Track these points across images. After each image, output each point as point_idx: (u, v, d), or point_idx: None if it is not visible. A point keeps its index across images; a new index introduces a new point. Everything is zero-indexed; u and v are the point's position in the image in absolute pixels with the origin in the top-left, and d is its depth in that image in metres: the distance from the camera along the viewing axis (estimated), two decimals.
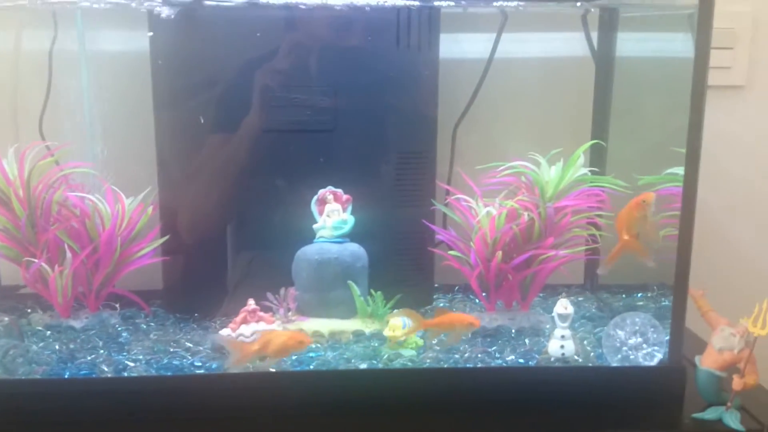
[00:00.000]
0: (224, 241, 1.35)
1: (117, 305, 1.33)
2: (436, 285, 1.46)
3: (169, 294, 1.40)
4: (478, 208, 1.30)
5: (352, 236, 1.32)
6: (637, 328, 1.15)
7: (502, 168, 1.30)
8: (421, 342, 1.21)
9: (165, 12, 1.22)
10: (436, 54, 1.37)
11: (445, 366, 1.16)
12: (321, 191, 1.31)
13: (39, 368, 1.13)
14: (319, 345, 1.23)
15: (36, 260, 1.25)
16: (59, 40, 1.43)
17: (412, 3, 1.28)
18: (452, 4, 1.33)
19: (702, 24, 1.04)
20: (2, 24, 1.45)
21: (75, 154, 1.37)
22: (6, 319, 1.22)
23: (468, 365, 1.17)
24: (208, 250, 1.36)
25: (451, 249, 1.32)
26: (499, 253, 1.26)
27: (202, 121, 1.29)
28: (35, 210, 1.28)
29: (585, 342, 1.23)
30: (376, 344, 1.23)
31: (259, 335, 1.14)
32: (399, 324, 1.19)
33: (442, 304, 1.44)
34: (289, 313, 1.27)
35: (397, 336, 1.18)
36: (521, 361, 1.19)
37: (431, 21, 1.33)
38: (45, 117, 1.45)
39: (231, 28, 1.28)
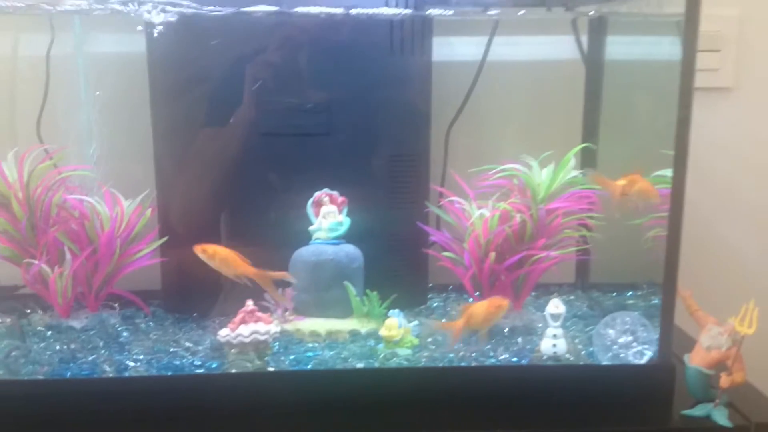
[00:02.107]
0: (222, 242, 1.37)
1: (116, 305, 1.34)
2: (430, 285, 1.48)
3: (168, 294, 1.42)
4: (471, 210, 1.32)
5: (348, 237, 1.33)
6: (627, 326, 1.18)
7: (494, 171, 1.32)
8: (416, 341, 1.23)
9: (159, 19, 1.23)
10: (428, 57, 1.38)
11: (441, 365, 1.19)
12: (317, 193, 1.33)
13: (41, 368, 1.14)
14: (316, 344, 1.26)
15: (36, 261, 1.26)
16: (56, 44, 1.44)
17: (405, 11, 1.30)
18: (443, 12, 1.35)
19: (688, 31, 1.06)
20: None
21: (73, 156, 1.39)
22: (8, 320, 1.24)
23: (462, 364, 1.19)
24: None
25: (445, 250, 1.34)
26: (492, 254, 1.28)
27: None
28: (35, 212, 1.29)
29: (576, 340, 1.26)
30: (372, 343, 1.25)
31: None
32: (395, 323, 1.22)
33: (436, 304, 1.46)
34: (287, 313, 1.29)
35: (392, 335, 1.20)
36: (514, 359, 1.21)
37: (424, 26, 1.35)
38: (43, 120, 1.46)
39: (227, 31, 1.29)
